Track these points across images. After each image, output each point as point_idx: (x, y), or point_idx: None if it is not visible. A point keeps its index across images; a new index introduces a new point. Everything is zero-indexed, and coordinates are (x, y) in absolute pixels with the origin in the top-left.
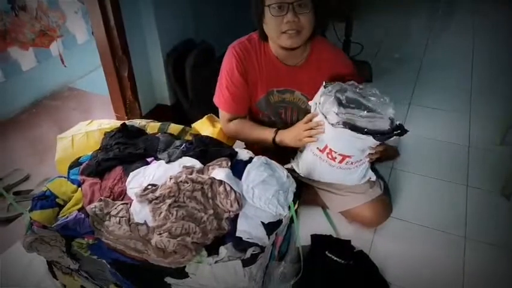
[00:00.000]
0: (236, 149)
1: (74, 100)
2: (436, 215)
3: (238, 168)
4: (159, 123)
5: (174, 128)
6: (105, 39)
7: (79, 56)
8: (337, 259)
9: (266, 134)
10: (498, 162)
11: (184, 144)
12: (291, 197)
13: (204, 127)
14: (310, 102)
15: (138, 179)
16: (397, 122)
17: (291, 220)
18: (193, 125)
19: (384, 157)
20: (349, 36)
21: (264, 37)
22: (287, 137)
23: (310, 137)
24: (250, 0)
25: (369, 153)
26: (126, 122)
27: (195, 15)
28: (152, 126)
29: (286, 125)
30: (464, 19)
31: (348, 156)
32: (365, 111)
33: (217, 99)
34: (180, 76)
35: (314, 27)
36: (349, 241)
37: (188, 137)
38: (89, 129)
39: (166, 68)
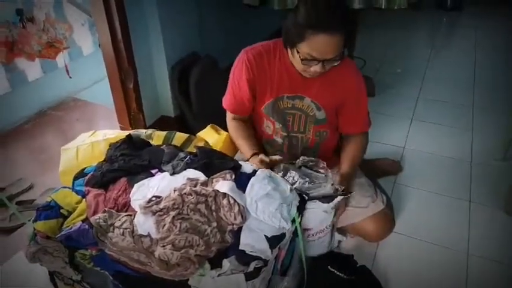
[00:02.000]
0: (240, 162)
1: (78, 111)
2: (438, 230)
3: (242, 181)
4: (165, 132)
5: (180, 136)
6: (112, 51)
7: (84, 67)
8: (340, 274)
9: (245, 150)
10: (501, 178)
11: (188, 157)
12: (294, 210)
13: (208, 135)
14: None
15: (143, 191)
16: (337, 187)
17: (294, 234)
18: (198, 134)
19: (387, 172)
20: (351, 51)
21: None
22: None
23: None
24: (286, 17)
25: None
26: (131, 132)
27: (201, 28)
28: (158, 135)
29: (289, 134)
30: (465, 34)
31: (308, 229)
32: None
33: (224, 98)
34: (185, 88)
35: None
36: (352, 256)
37: (192, 149)
38: (94, 140)
39: (170, 80)
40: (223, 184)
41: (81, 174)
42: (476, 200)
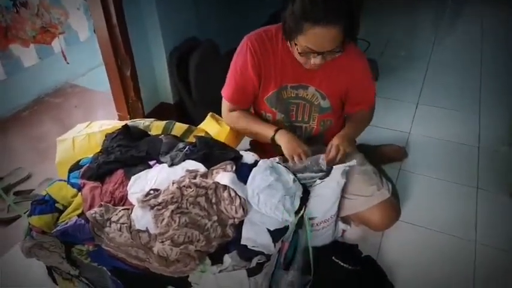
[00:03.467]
0: (241, 152)
1: (76, 97)
2: (445, 218)
3: (243, 172)
4: (164, 122)
5: (179, 127)
6: (107, 37)
7: (81, 53)
8: (344, 264)
9: (267, 129)
10: (509, 164)
11: (187, 147)
12: (297, 202)
13: (210, 127)
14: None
15: (140, 183)
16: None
17: (297, 226)
18: (199, 126)
19: (392, 158)
20: (355, 34)
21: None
22: (284, 140)
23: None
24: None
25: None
26: (129, 122)
27: (199, 12)
28: (157, 126)
29: (291, 124)
30: (472, 17)
31: (312, 218)
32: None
33: (224, 89)
34: (184, 74)
35: None
36: (357, 245)
37: (192, 139)
38: (90, 131)
39: (169, 66)
40: (224, 176)
41: (76, 166)
42: (484, 186)
